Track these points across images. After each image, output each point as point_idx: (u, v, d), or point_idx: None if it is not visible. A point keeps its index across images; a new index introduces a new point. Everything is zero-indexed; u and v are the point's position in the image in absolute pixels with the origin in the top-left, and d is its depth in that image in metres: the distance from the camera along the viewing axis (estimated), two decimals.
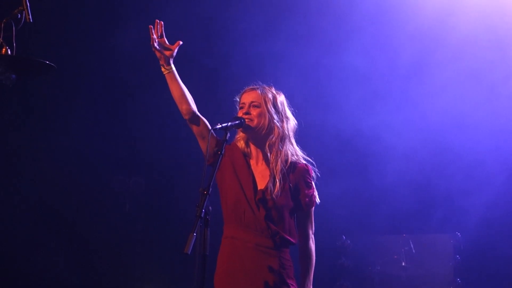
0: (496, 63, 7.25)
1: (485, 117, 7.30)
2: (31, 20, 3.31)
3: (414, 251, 7.21)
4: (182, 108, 3.80)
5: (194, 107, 3.81)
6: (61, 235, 7.12)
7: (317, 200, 3.85)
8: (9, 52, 3.29)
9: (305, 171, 3.83)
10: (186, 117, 3.81)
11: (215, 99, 6.83)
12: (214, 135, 3.76)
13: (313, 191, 3.84)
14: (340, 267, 7.44)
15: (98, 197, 7.41)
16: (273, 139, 3.79)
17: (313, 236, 3.87)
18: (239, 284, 3.69)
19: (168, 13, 7.07)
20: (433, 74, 7.42)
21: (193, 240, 3.13)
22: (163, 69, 3.81)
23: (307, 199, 3.79)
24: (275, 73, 7.15)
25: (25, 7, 3.31)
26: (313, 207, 3.86)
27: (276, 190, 3.70)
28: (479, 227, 7.28)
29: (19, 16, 3.30)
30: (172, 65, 3.79)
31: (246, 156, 3.87)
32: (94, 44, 7.15)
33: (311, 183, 3.85)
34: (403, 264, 7.20)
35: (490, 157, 7.34)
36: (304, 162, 3.87)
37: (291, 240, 3.77)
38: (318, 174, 3.90)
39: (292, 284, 3.75)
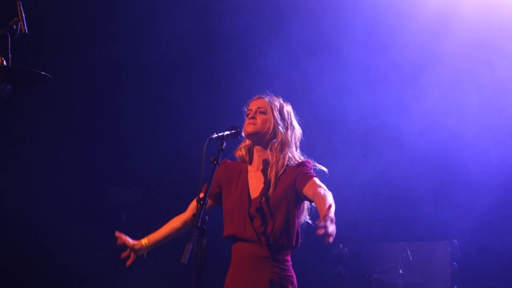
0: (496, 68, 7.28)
1: (483, 125, 7.32)
2: (27, 31, 3.32)
3: (411, 258, 7.21)
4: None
5: (187, 220, 3.98)
6: (57, 243, 7.10)
7: (313, 173, 3.73)
8: (5, 63, 3.29)
9: (299, 165, 3.76)
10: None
11: (215, 104, 6.87)
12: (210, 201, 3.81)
13: (306, 171, 3.72)
14: (337, 275, 7.43)
15: (95, 207, 7.41)
16: (275, 144, 3.79)
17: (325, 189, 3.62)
18: None
19: (166, 18, 7.11)
20: (433, 80, 7.43)
21: (190, 249, 3.13)
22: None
23: (301, 181, 3.68)
24: (276, 77, 7.18)
25: (20, 18, 3.32)
26: (314, 178, 3.66)
27: (270, 192, 3.68)
28: (476, 235, 7.28)
29: (14, 27, 3.31)
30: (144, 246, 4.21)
31: (245, 165, 3.87)
32: (90, 54, 7.16)
33: (306, 168, 3.74)
34: (401, 271, 7.19)
35: (488, 164, 7.35)
36: (301, 160, 3.82)
37: (291, 244, 3.71)
38: (316, 165, 3.85)
39: None
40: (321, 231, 3.10)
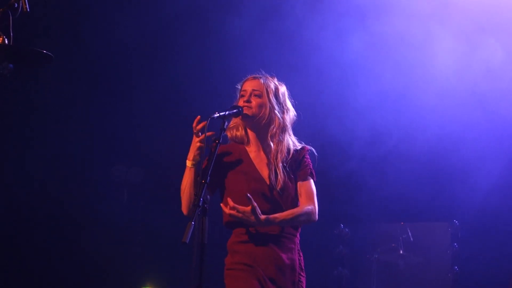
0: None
1: (483, 106, 7.30)
2: (28, 10, 3.30)
3: (412, 239, 7.24)
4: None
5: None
6: (59, 224, 7.12)
7: (312, 170, 3.82)
8: (6, 42, 3.28)
9: (301, 150, 3.84)
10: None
11: (218, 83, 6.86)
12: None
13: (306, 165, 3.81)
14: (338, 255, 7.47)
15: (96, 186, 7.42)
16: (274, 129, 3.77)
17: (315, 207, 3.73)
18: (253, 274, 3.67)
19: (168, 3, 7.08)
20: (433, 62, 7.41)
21: (191, 229, 3.12)
22: (191, 162, 3.61)
23: (300, 175, 3.78)
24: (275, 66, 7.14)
25: None
26: (310, 181, 3.78)
27: (279, 182, 3.69)
28: (476, 215, 7.29)
29: (16, 6, 3.30)
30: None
31: (244, 145, 3.85)
32: (92, 33, 7.13)
33: (307, 161, 3.83)
34: (401, 252, 7.23)
35: (488, 145, 7.34)
36: (302, 146, 3.87)
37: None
38: (316, 154, 3.89)
39: (301, 275, 3.76)
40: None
